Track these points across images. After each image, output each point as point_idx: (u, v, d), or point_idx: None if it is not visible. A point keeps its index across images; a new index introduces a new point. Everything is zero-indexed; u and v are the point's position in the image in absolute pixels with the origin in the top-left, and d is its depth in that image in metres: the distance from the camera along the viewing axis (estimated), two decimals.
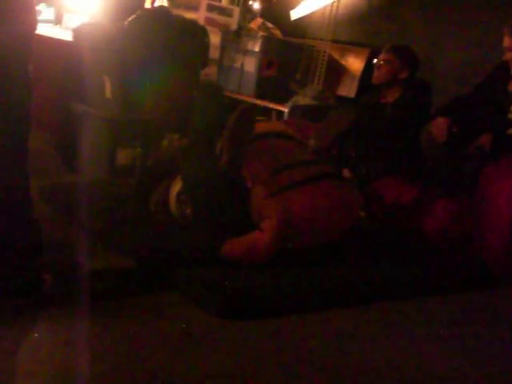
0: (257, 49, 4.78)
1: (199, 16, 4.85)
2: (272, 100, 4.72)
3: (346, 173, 3.62)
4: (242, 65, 4.85)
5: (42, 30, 4.66)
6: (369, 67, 4.66)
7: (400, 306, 2.73)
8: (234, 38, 4.95)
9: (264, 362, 2.17)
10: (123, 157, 3.25)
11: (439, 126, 3.49)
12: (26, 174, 2.32)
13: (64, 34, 4.48)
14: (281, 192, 2.82)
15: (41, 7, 4.76)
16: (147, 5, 4.64)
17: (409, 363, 2.28)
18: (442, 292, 2.93)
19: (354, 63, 4.89)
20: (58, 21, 4.88)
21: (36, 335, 2.13)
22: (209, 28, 4.13)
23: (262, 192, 2.84)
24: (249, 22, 5.16)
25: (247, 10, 5.25)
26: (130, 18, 3.53)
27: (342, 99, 4.86)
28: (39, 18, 4.71)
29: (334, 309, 2.60)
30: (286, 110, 4.51)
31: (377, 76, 3.79)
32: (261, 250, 2.74)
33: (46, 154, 3.77)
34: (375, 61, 3.86)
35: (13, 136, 2.25)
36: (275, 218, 2.74)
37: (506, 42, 3.39)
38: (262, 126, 3.20)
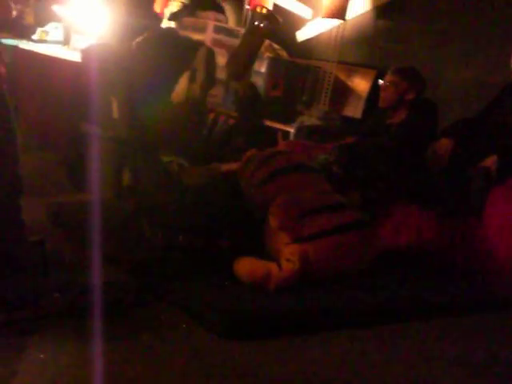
0: (263, 70, 4.80)
1: (206, 37, 4.89)
2: (278, 120, 4.73)
3: (353, 195, 3.62)
4: None
5: (51, 50, 4.71)
6: (375, 88, 4.68)
7: (412, 327, 2.72)
8: None
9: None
10: (130, 177, 3.26)
11: (443, 147, 3.50)
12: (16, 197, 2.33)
13: (72, 54, 4.52)
14: (306, 241, 2.83)
15: (49, 28, 4.82)
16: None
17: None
18: (456, 313, 2.91)
19: (360, 84, 4.91)
20: (66, 42, 4.93)
21: (42, 356, 2.12)
22: (216, 49, 4.16)
23: (286, 237, 2.87)
24: None
25: None
26: (137, 40, 3.57)
27: (348, 120, 4.87)
28: (48, 38, 4.80)
29: (341, 330, 2.59)
30: (292, 130, 4.52)
31: (383, 98, 3.80)
32: (273, 283, 2.74)
33: (53, 173, 3.79)
34: (381, 82, 3.87)
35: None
36: (298, 265, 2.75)
37: None
38: (281, 160, 3.23)
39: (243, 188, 3.26)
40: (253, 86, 3.22)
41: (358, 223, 2.99)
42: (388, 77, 3.80)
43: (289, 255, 2.80)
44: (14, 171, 2.30)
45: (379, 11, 4.92)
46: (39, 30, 4.69)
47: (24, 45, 4.70)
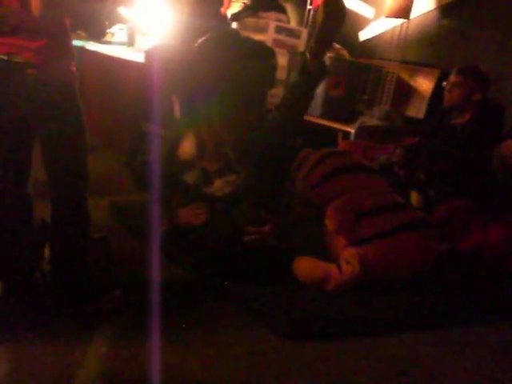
0: None
1: (267, 38, 4.90)
2: (339, 120, 4.70)
3: (414, 195, 3.57)
4: None
5: (116, 51, 4.82)
6: (438, 88, 4.59)
7: (463, 333, 2.66)
8: None
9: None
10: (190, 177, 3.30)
11: (510, 149, 3.41)
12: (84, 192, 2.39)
13: (136, 55, 4.62)
14: (364, 243, 2.82)
15: (114, 29, 4.94)
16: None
17: None
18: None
19: (423, 84, 4.83)
20: (130, 43, 5.03)
21: (104, 349, 2.18)
22: (277, 49, 4.16)
23: (344, 240, 2.88)
24: None
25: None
26: (199, 40, 3.61)
27: (411, 120, 4.80)
28: (113, 40, 4.91)
29: (397, 334, 2.56)
30: (352, 130, 4.48)
31: (449, 99, 3.73)
32: (332, 284, 2.76)
33: (117, 173, 3.87)
34: (445, 83, 3.80)
35: (71, 155, 2.32)
36: (357, 267, 2.76)
37: None
38: (336, 160, 3.22)
39: (297, 188, 3.26)
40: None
41: (417, 223, 2.94)
42: (453, 77, 3.73)
43: (348, 257, 2.79)
44: (84, 168, 2.37)
45: (443, 10, 4.82)
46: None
47: (90, 46, 4.82)
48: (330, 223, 2.91)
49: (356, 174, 3.16)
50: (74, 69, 2.30)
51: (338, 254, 2.85)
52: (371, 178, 3.18)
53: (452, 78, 3.74)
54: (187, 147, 3.08)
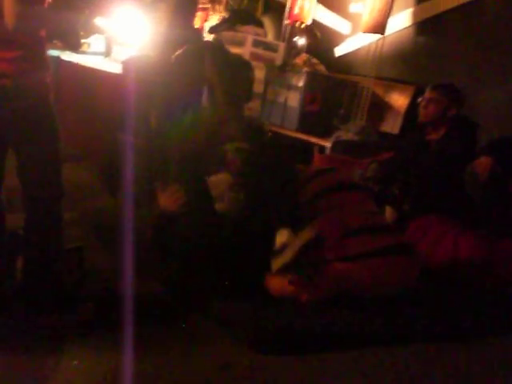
0: (301, 84, 4.80)
1: (245, 51, 4.92)
2: (315, 135, 4.73)
3: (389, 210, 3.59)
4: (286, 99, 4.88)
5: (93, 61, 4.79)
6: (413, 104, 4.64)
7: (441, 347, 2.68)
8: (279, 73, 5.00)
9: None
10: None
11: (482, 166, 3.45)
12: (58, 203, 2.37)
13: (113, 66, 4.60)
14: (346, 261, 2.84)
15: (91, 39, 4.91)
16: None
17: None
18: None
19: (399, 100, 4.88)
20: (107, 53, 5.01)
21: (75, 363, 2.14)
22: (254, 63, 4.18)
23: (328, 253, 2.88)
24: (294, 58, 5.21)
25: (292, 46, 5.30)
26: (177, 52, 3.61)
27: (386, 135, 4.84)
28: (89, 50, 4.88)
29: (372, 347, 2.56)
30: (328, 144, 4.51)
31: (424, 114, 3.78)
32: (302, 300, 2.75)
33: (91, 182, 3.84)
34: (420, 99, 3.85)
35: (44, 165, 2.31)
36: (333, 284, 2.79)
37: None
38: (327, 178, 3.26)
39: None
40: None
41: (401, 247, 2.96)
42: (428, 93, 3.78)
43: (329, 272, 2.80)
44: (58, 179, 2.35)
45: (419, 27, 4.89)
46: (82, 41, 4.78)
47: (67, 56, 4.79)
48: (318, 238, 2.93)
49: (347, 192, 3.19)
50: (48, 80, 2.29)
51: (321, 268, 2.86)
52: (360, 197, 3.21)
53: (427, 94, 3.79)
54: None
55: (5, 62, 2.12)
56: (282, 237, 2.90)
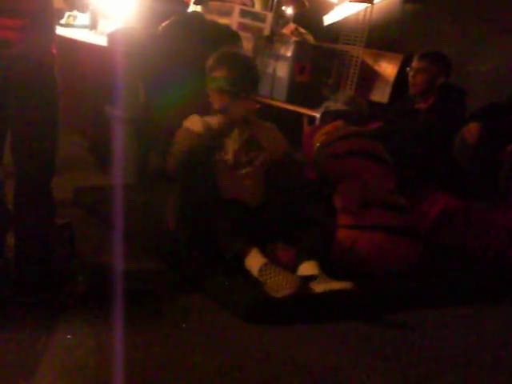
0: (289, 54, 4.77)
1: (232, 21, 4.87)
2: (304, 105, 4.71)
3: None
4: (275, 70, 4.85)
5: (78, 35, 4.74)
6: (402, 73, 4.62)
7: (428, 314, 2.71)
8: (267, 44, 4.96)
9: (287, 367, 2.17)
10: (156, 161, 3.27)
11: (471, 132, 3.46)
12: (50, 177, 2.36)
13: (99, 39, 4.54)
14: (359, 229, 2.87)
15: (76, 12, 4.85)
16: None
17: None
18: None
19: (387, 69, 4.86)
20: (93, 26, 4.95)
21: (69, 337, 2.15)
22: (241, 33, 4.14)
23: (345, 220, 2.90)
24: (282, 28, 5.16)
25: (280, 16, 5.25)
26: (163, 24, 3.57)
27: (375, 104, 4.83)
28: (75, 23, 4.83)
29: (364, 318, 2.59)
30: (317, 115, 4.49)
31: (413, 84, 3.77)
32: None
33: (79, 157, 3.83)
34: (408, 69, 3.83)
35: (42, 139, 2.29)
36: (340, 251, 2.81)
37: None
38: (365, 143, 3.28)
39: (316, 155, 3.29)
40: None
41: (409, 230, 2.99)
42: (417, 62, 3.76)
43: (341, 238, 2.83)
44: (53, 154, 2.34)
45: None
46: (67, 14, 4.72)
47: None
48: (337, 199, 2.95)
49: (376, 162, 3.19)
50: (54, 51, 2.28)
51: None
52: (386, 172, 3.21)
53: (415, 63, 3.77)
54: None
55: (11, 31, 2.11)
56: None
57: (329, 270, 2.62)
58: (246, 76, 2.87)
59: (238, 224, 2.64)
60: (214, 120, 2.84)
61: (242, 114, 2.84)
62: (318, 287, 2.47)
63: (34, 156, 2.29)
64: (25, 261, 2.36)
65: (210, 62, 2.91)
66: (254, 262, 2.49)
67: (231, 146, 2.83)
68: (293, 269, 2.59)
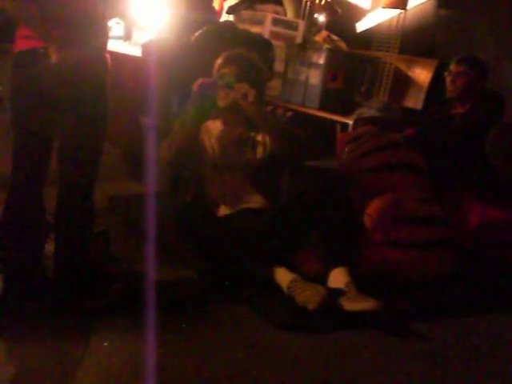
0: (321, 61, 4.76)
1: (264, 30, 4.88)
2: (337, 112, 4.69)
3: None
4: (307, 77, 4.84)
5: (113, 46, 4.80)
6: (436, 79, 4.58)
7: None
8: (299, 51, 4.96)
9: (330, 376, 2.16)
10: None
11: None
12: (93, 184, 2.40)
13: (133, 49, 4.60)
14: (390, 246, 2.85)
15: (111, 23, 4.91)
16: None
17: None
18: None
19: (421, 75, 4.81)
20: (127, 37, 5.01)
21: (105, 344, 2.18)
22: (274, 42, 4.15)
23: (375, 236, 2.89)
24: (314, 35, 5.16)
25: (312, 24, 5.24)
26: (196, 34, 3.60)
27: (409, 111, 4.79)
28: (110, 34, 4.88)
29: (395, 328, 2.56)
30: (350, 122, 4.48)
31: (452, 89, 3.72)
32: None
33: (113, 166, 3.87)
34: (446, 74, 3.79)
35: (88, 144, 2.33)
36: (376, 269, 2.81)
37: None
38: (395, 154, 3.25)
39: (343, 162, 3.28)
40: None
41: (444, 240, 2.96)
42: (455, 67, 3.72)
43: (369, 253, 2.82)
44: (97, 164, 2.38)
45: (441, 0, 4.81)
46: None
47: None
48: (368, 220, 2.92)
49: (411, 174, 3.18)
50: (104, 58, 2.33)
51: (363, 249, 2.87)
52: (422, 183, 3.19)
53: (454, 67, 3.72)
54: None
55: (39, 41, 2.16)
56: None
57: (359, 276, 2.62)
58: (252, 73, 2.94)
59: (255, 245, 2.71)
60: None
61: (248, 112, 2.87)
62: (347, 305, 2.47)
63: (80, 166, 2.33)
64: (64, 268, 2.39)
65: (218, 60, 2.99)
66: (283, 279, 2.55)
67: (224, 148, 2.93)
68: (323, 277, 2.60)
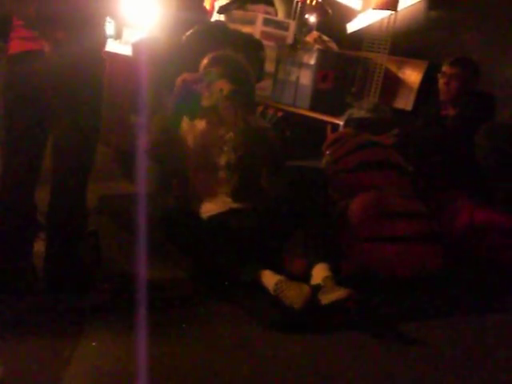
0: (312, 62, 4.76)
1: (255, 30, 4.89)
2: (327, 113, 4.69)
3: None
4: (298, 78, 4.84)
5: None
6: (426, 80, 4.60)
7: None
8: (290, 52, 4.96)
9: (320, 377, 2.16)
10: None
11: None
12: (85, 184, 2.40)
13: (124, 48, 4.58)
14: (374, 242, 2.86)
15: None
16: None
17: None
18: None
19: (411, 76, 4.83)
20: (118, 36, 5.00)
21: (94, 344, 2.17)
22: (265, 42, 4.15)
23: (362, 232, 2.89)
24: (305, 36, 5.16)
25: (303, 24, 5.25)
26: (187, 33, 3.59)
27: (399, 112, 4.80)
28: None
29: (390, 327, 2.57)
30: (341, 122, 4.48)
31: (446, 91, 3.72)
32: None
33: (104, 166, 3.85)
34: (439, 75, 3.79)
35: (83, 145, 2.32)
36: (361, 264, 2.82)
37: None
38: (375, 152, 3.27)
39: (326, 166, 3.31)
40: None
41: (430, 235, 2.97)
42: (449, 68, 3.72)
43: (352, 252, 2.84)
44: (91, 163, 2.38)
45: (431, 2, 4.82)
46: None
47: None
48: (352, 215, 2.92)
49: (390, 171, 3.20)
50: (102, 58, 2.33)
51: (349, 247, 2.87)
52: (401, 179, 3.20)
53: (448, 69, 3.72)
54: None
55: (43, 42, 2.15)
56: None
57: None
58: (238, 74, 3.00)
59: (240, 246, 2.74)
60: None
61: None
62: (323, 298, 2.49)
63: (74, 165, 2.32)
64: (55, 268, 2.38)
65: (204, 60, 3.05)
66: (269, 281, 2.58)
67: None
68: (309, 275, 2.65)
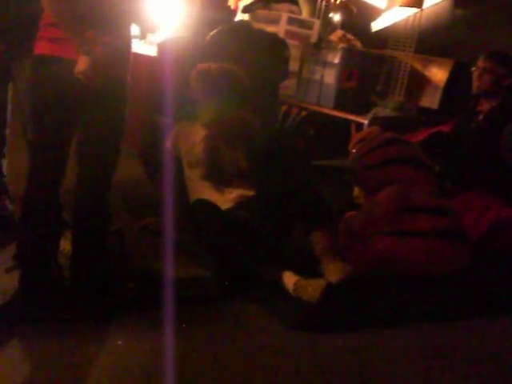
0: (337, 60, 4.75)
1: (280, 29, 4.88)
2: (352, 112, 4.68)
3: None
4: (322, 77, 4.83)
5: None
6: (452, 78, 4.56)
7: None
8: (314, 51, 4.95)
9: (341, 377, 2.15)
10: None
11: None
12: (110, 184, 2.41)
13: (149, 49, 4.61)
14: (396, 235, 2.85)
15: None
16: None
17: None
18: None
19: (437, 74, 4.78)
20: (143, 36, 5.03)
21: (120, 342, 2.18)
22: (289, 41, 4.15)
23: (385, 226, 2.88)
24: (329, 34, 5.15)
25: (327, 23, 5.23)
26: (211, 33, 3.60)
27: (425, 110, 4.77)
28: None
29: (414, 324, 2.55)
30: (365, 121, 4.46)
31: (478, 85, 3.66)
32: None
33: (129, 165, 3.88)
34: (473, 69, 3.73)
35: (107, 145, 2.34)
36: (379, 258, 2.81)
37: None
38: (399, 148, 3.25)
39: (351, 163, 3.33)
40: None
41: (452, 231, 2.94)
42: (483, 62, 3.65)
43: (373, 243, 2.82)
44: (115, 166, 2.40)
45: None
46: None
47: None
48: (376, 208, 2.94)
49: (415, 167, 3.18)
50: (127, 62, 2.34)
51: (370, 239, 2.87)
52: (427, 176, 3.18)
53: (481, 62, 3.65)
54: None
55: (58, 45, 2.16)
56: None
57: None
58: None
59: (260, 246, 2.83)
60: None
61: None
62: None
63: (99, 165, 2.34)
64: (80, 266, 2.40)
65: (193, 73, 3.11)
66: (289, 282, 2.65)
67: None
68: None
